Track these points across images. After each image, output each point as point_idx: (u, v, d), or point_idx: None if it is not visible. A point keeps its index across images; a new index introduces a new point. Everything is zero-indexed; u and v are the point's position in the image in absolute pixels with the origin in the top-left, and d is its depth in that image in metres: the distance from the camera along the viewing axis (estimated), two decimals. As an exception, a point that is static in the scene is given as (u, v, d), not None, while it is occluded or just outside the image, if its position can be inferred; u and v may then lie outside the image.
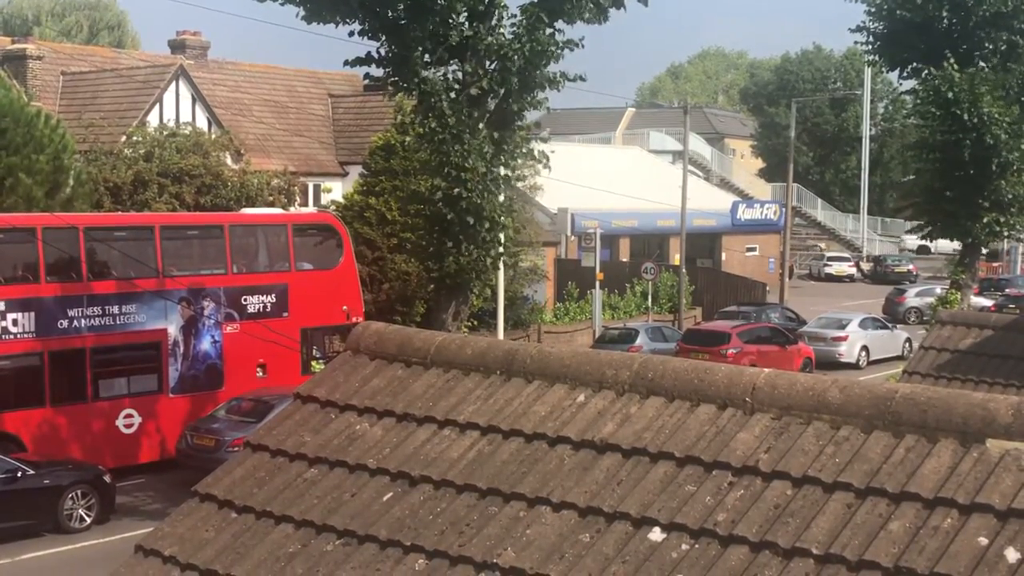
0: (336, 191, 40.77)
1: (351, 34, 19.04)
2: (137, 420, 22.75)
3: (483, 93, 18.65)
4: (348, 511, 4.85)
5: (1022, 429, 4.20)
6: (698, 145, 70.81)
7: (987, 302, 43.22)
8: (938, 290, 39.98)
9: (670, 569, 4.14)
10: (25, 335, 21.24)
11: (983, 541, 3.89)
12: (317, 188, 42.28)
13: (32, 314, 21.30)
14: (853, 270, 66.39)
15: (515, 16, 18.74)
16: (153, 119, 36.43)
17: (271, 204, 32.42)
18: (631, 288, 43.03)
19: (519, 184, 33.00)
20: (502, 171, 19.53)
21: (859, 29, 29.01)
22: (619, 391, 5.01)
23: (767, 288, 48.57)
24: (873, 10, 28.40)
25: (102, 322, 22.22)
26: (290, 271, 25.36)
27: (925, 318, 40.35)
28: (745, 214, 57.78)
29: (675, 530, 4.28)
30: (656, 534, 4.29)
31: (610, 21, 19.22)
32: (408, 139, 30.29)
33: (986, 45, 27.73)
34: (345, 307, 25.52)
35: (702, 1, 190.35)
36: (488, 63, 18.66)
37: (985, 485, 4.07)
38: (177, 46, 43.99)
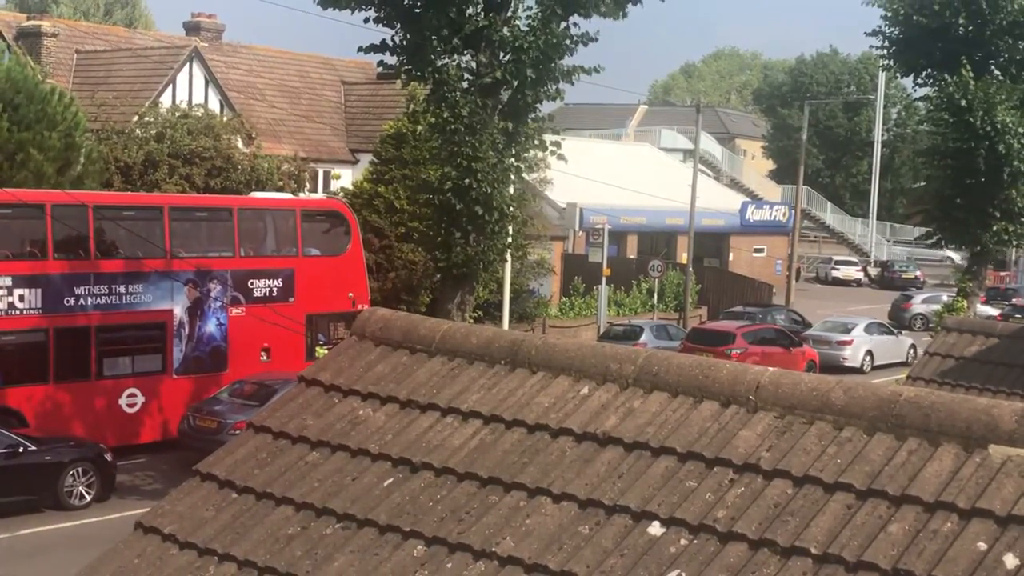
0: (346, 178, 40.79)
1: (366, 21, 19.04)
2: (140, 400, 22.80)
3: (496, 84, 18.63)
4: (348, 495, 4.86)
5: (1025, 436, 4.20)
6: (709, 145, 70.73)
7: (993, 311, 43.16)
8: (944, 297, 39.94)
9: (668, 563, 4.14)
10: (31, 311, 21.28)
11: (982, 546, 3.89)
12: (327, 175, 42.30)
13: (39, 290, 21.34)
14: (860, 275, 66.31)
15: (531, 8, 18.73)
16: (166, 100, 36.45)
17: (280, 189, 32.44)
18: (637, 285, 43.02)
19: (529, 177, 33.03)
20: (513, 163, 19.52)
21: (875, 33, 28.96)
22: (623, 385, 5.01)
23: (773, 290, 48.54)
24: (889, 15, 28.33)
25: (108, 301, 22.26)
26: (297, 256, 25.38)
27: (930, 325, 40.30)
28: (754, 215, 57.73)
29: (674, 525, 4.28)
30: (655, 528, 4.29)
31: (626, 17, 19.20)
32: (419, 128, 30.30)
33: (1002, 53, 27.66)
34: (351, 294, 25.55)
35: (717, 1, 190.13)
36: (502, 54, 18.64)
37: (986, 491, 4.06)
38: (192, 28, 44.03)
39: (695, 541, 4.21)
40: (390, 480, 4.90)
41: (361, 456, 5.08)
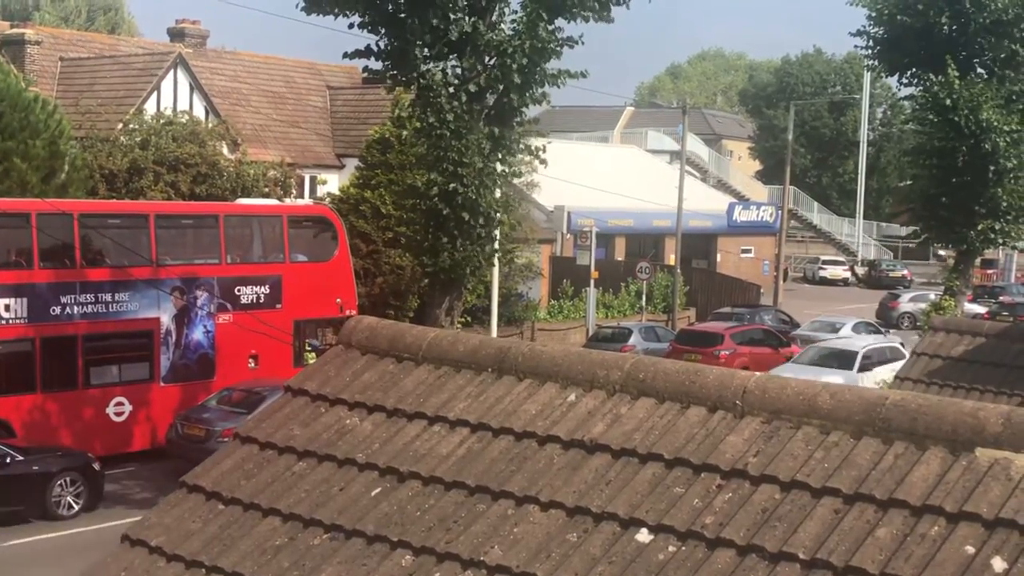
0: (332, 183, 40.73)
1: (351, 26, 19.01)
2: (128, 408, 22.72)
3: (482, 89, 18.62)
4: (336, 505, 4.85)
5: (1011, 439, 4.20)
6: (696, 146, 70.81)
7: (981, 309, 43.28)
8: (932, 296, 40.05)
9: (657, 570, 4.14)
10: (17, 321, 21.20)
11: (970, 550, 3.89)
12: (313, 180, 42.24)
13: (25, 300, 21.26)
14: (847, 274, 66.48)
15: (515, 13, 18.73)
16: (150, 107, 36.36)
17: (267, 195, 32.38)
18: (625, 287, 43.04)
19: (516, 181, 32.98)
20: (499, 167, 19.51)
21: (859, 33, 28.99)
22: (610, 391, 5.01)
23: (761, 290, 48.62)
24: (874, 15, 28.38)
25: (95, 309, 22.18)
26: (284, 263, 25.33)
27: (918, 323, 40.40)
28: (741, 216, 57.82)
29: (662, 531, 4.28)
30: (643, 535, 4.29)
31: (612, 21, 19.19)
32: (405, 133, 30.28)
33: (986, 52, 27.73)
34: (338, 300, 25.51)
35: (702, 2, 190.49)
36: (488, 59, 18.64)
37: (973, 494, 4.07)
38: (176, 34, 43.94)
39: (683, 548, 4.21)
40: (378, 490, 4.88)
41: (348, 466, 5.07)
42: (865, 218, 76.06)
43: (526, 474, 4.70)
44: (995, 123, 26.61)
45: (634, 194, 48.48)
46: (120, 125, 33.98)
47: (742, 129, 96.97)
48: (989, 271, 60.54)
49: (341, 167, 42.76)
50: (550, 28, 18.60)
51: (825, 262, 67.55)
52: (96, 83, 38.02)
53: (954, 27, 27.36)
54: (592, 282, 38.90)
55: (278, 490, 5.04)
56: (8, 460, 18.66)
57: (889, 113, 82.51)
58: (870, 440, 4.42)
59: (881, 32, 28.71)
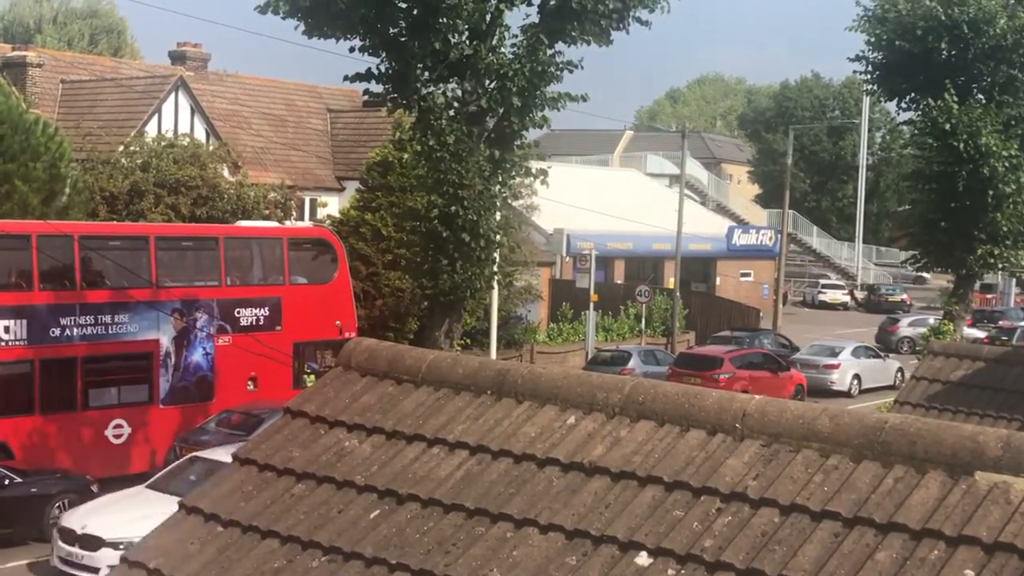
0: (332, 206, 40.78)
1: (351, 50, 19.07)
2: (127, 430, 22.68)
3: (482, 112, 18.68)
4: (335, 528, 4.84)
5: (1010, 462, 4.20)
6: (695, 170, 70.93)
7: (980, 334, 43.27)
8: (931, 320, 40.04)
9: (656, 594, 4.13)
10: (17, 342, 21.18)
11: (970, 574, 3.88)
12: (313, 202, 42.29)
13: (24, 321, 21.25)
14: (847, 298, 66.49)
15: (516, 36, 18.80)
16: (151, 129, 36.42)
17: (267, 217, 32.40)
18: (625, 310, 43.05)
19: (516, 203, 33.01)
20: (499, 189, 19.55)
21: (858, 58, 29.10)
22: (609, 414, 5.01)
23: (761, 314, 48.61)
24: (873, 40, 28.50)
25: (94, 331, 22.17)
26: (284, 285, 25.34)
27: (917, 348, 40.37)
28: (740, 239, 57.89)
29: (662, 555, 4.27)
30: (643, 558, 4.28)
31: (611, 44, 19.27)
32: (406, 156, 30.34)
33: (985, 77, 27.83)
34: (338, 322, 25.51)
35: (702, 27, 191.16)
36: (488, 82, 18.69)
37: (973, 518, 4.06)
38: (177, 57, 44.07)
39: (682, 571, 4.20)
40: (376, 512, 4.87)
41: (347, 488, 5.06)
42: (864, 242, 76.14)
43: (525, 497, 4.69)
44: (994, 148, 26.68)
45: (633, 217, 48.54)
46: (121, 147, 34.04)
47: (741, 153, 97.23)
48: (988, 296, 60.57)
49: (341, 190, 42.81)
50: (550, 52, 18.68)
51: (824, 286, 67.59)
52: (97, 105, 38.11)
53: (953, 52, 27.47)
54: (591, 305, 38.90)
55: (276, 512, 5.04)
56: (6, 482, 18.61)
57: (888, 138, 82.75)
58: (870, 464, 4.41)
59: (880, 57, 28.83)
